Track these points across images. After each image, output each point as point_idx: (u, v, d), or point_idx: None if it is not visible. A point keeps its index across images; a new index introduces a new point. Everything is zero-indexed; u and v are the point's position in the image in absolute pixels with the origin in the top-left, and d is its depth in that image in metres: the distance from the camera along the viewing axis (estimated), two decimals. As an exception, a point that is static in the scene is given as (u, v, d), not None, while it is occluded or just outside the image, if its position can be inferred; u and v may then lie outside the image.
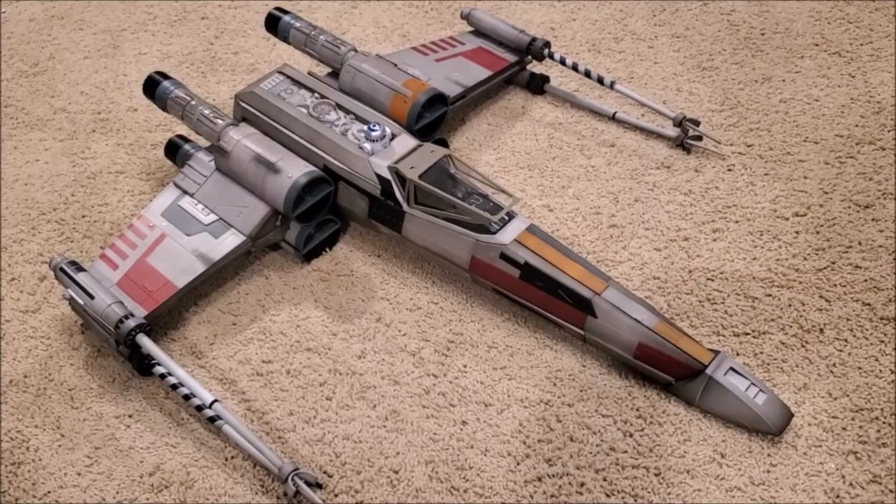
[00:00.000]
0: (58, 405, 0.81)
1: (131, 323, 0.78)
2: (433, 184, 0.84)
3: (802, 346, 0.81)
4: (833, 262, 0.88)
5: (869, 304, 0.84)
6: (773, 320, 0.83)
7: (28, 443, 0.78)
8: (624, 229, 0.93)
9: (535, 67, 1.11)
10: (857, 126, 1.02)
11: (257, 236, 0.88)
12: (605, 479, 0.73)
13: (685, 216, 0.94)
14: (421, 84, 0.96)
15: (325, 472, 0.74)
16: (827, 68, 1.10)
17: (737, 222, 0.93)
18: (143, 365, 0.80)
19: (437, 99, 0.96)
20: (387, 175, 0.87)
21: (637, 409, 0.77)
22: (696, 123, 1.00)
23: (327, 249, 0.92)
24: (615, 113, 1.05)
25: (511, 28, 1.07)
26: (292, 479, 0.71)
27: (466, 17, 1.10)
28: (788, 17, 1.18)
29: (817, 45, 1.14)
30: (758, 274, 0.87)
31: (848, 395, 0.77)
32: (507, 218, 0.83)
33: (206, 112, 0.93)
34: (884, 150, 0.99)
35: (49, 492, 0.75)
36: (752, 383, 0.75)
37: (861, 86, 1.07)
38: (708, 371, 0.75)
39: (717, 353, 0.77)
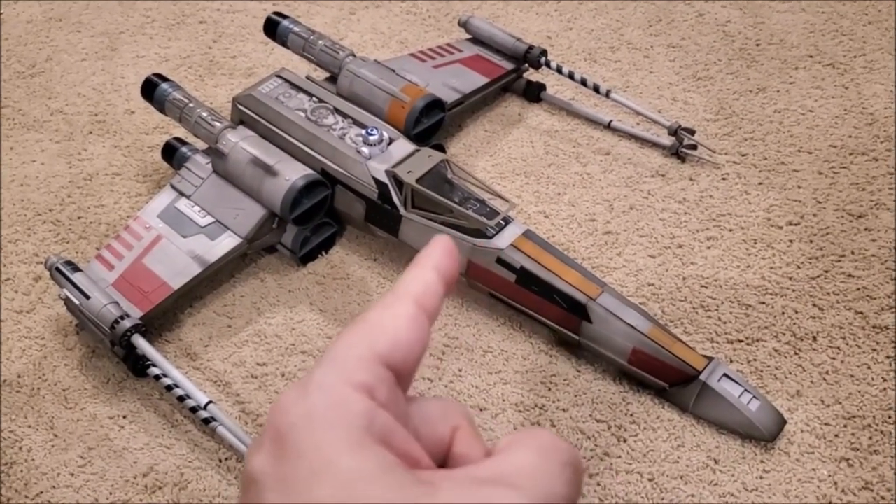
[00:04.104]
0: (51, 405, 0.80)
1: (127, 324, 0.78)
2: (430, 188, 0.84)
3: (795, 354, 0.82)
4: (826, 271, 0.88)
5: (861, 313, 0.84)
6: (766, 328, 0.84)
7: (21, 443, 0.78)
8: (619, 236, 0.93)
9: (532, 75, 1.11)
10: (850, 137, 1.03)
11: (253, 239, 0.89)
12: (598, 484, 0.73)
13: (679, 224, 0.94)
14: (419, 90, 0.96)
15: (319, 475, 0.74)
16: (821, 80, 1.11)
17: (731, 230, 0.93)
18: (137, 366, 0.80)
19: (435, 105, 0.97)
20: (384, 179, 0.87)
21: (631, 415, 0.78)
22: (691, 132, 1.01)
23: (323, 253, 0.93)
24: (611, 121, 1.06)
25: (508, 36, 1.08)
26: (286, 481, 0.71)
27: (464, 25, 1.11)
28: (783, 28, 1.19)
29: (811, 56, 1.15)
30: (751, 282, 0.88)
31: (840, 403, 0.78)
32: (503, 223, 0.83)
33: (204, 114, 0.93)
34: (877, 160, 1.00)
35: (42, 492, 0.74)
36: (746, 390, 0.75)
37: (854, 97, 1.08)
38: (702, 377, 0.76)
39: (710, 359, 0.77)
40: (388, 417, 0.25)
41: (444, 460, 0.27)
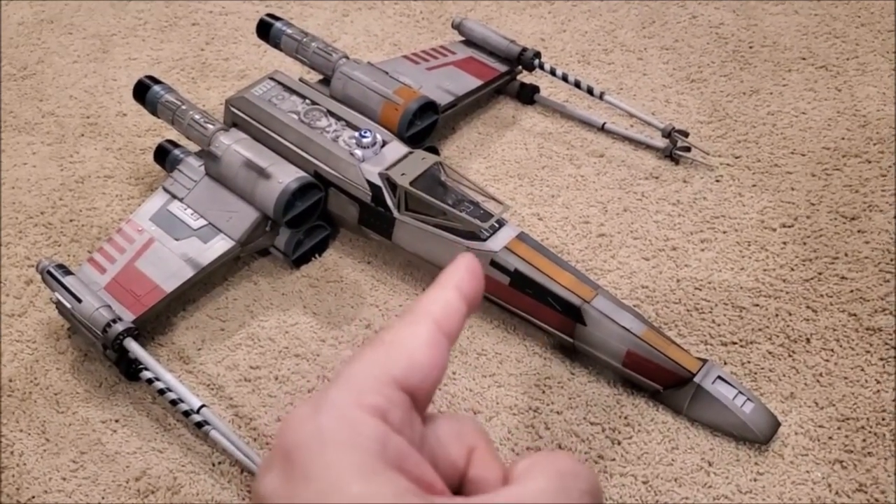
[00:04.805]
0: (43, 409, 0.80)
1: (119, 327, 0.77)
2: (424, 191, 0.84)
3: (789, 356, 0.82)
4: (820, 273, 0.88)
5: (855, 315, 0.84)
6: (760, 330, 0.84)
7: (13, 447, 0.77)
8: (613, 238, 0.93)
9: (526, 78, 1.11)
10: (843, 139, 1.03)
11: (246, 241, 0.88)
12: (593, 487, 0.73)
13: (673, 226, 0.94)
14: (412, 92, 0.96)
15: (312, 479, 0.74)
16: (814, 82, 1.11)
17: (725, 233, 0.93)
18: (130, 369, 0.80)
19: (429, 107, 0.96)
20: (377, 181, 0.87)
21: (625, 417, 0.78)
22: (685, 135, 1.01)
23: (317, 255, 0.92)
24: (604, 123, 1.06)
25: (502, 38, 1.08)
26: (280, 485, 0.70)
27: (458, 27, 1.11)
28: (776, 30, 1.19)
29: (804, 58, 1.15)
30: (745, 284, 0.88)
31: (834, 405, 0.78)
32: (497, 225, 0.83)
33: (197, 117, 0.93)
34: (869, 162, 1.00)
35: (33, 497, 0.74)
36: (740, 392, 0.75)
37: (847, 99, 1.08)
38: (696, 379, 0.76)
39: (704, 361, 0.77)
40: (401, 442, 0.24)
41: (460, 483, 0.27)
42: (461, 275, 0.28)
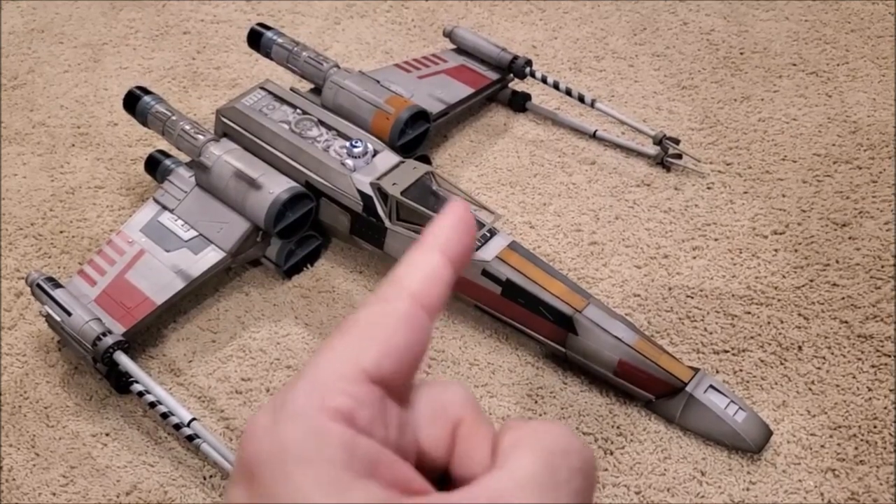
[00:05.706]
0: (33, 423, 0.80)
1: (109, 340, 0.77)
2: (415, 200, 0.84)
3: (781, 364, 0.82)
4: (811, 280, 0.88)
5: (846, 322, 0.84)
6: (752, 338, 0.84)
7: (2, 462, 0.77)
8: (604, 246, 0.93)
9: (517, 85, 1.11)
10: (834, 145, 1.03)
11: (237, 252, 0.88)
12: (585, 498, 0.73)
13: (665, 234, 0.94)
14: (403, 101, 0.96)
15: (304, 491, 0.74)
16: (804, 88, 1.11)
17: (716, 240, 0.93)
18: (120, 383, 0.79)
19: (420, 116, 0.96)
20: (369, 191, 0.86)
21: (618, 427, 0.78)
22: (676, 142, 1.01)
23: (308, 266, 0.92)
24: (596, 131, 1.06)
25: (493, 46, 1.08)
26: (271, 499, 0.70)
27: (449, 35, 1.11)
28: (767, 37, 1.20)
29: (795, 64, 1.15)
30: (737, 291, 0.88)
31: (826, 413, 0.78)
32: (488, 235, 0.83)
33: (187, 127, 0.92)
34: (860, 169, 1.00)
35: (23, 512, 0.74)
36: (732, 401, 0.75)
37: (838, 105, 1.08)
38: (688, 389, 0.76)
39: (696, 370, 0.77)
40: (370, 445, 0.23)
41: (448, 459, 0.25)
42: (447, 233, 0.25)
